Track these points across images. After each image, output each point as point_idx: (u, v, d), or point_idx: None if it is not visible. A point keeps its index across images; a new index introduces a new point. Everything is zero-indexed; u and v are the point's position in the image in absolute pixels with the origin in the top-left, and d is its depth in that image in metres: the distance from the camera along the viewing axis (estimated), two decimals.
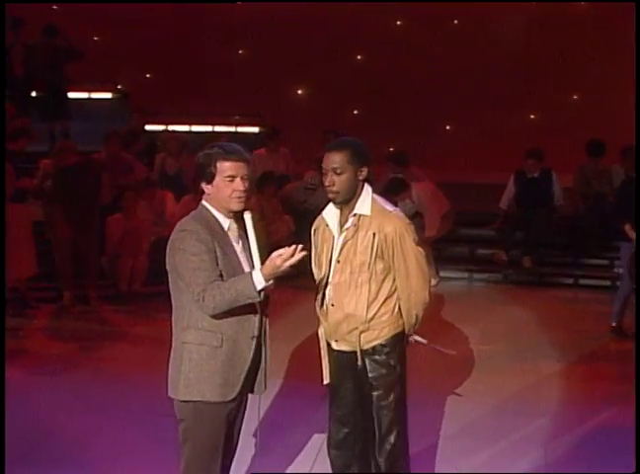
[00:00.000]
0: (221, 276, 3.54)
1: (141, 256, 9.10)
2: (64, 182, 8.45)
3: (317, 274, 4.05)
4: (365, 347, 3.95)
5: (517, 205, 10.36)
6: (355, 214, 3.93)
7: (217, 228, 3.61)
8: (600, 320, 8.08)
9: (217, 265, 3.53)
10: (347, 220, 3.95)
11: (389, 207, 3.97)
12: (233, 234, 3.65)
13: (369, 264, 3.88)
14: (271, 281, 3.49)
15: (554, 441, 5.33)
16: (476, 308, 8.95)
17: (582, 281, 10.09)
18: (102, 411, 5.71)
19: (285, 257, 3.44)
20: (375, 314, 3.92)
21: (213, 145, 3.66)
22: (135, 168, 10.18)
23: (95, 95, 13.35)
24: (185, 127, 12.78)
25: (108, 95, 13.59)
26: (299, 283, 9.15)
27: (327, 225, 4.03)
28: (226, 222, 3.64)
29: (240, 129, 13.11)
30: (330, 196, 3.94)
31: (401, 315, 3.98)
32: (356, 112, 13.96)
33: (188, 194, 9.61)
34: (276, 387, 5.96)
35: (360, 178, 3.92)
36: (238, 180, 3.59)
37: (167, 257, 3.61)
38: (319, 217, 4.07)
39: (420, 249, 3.94)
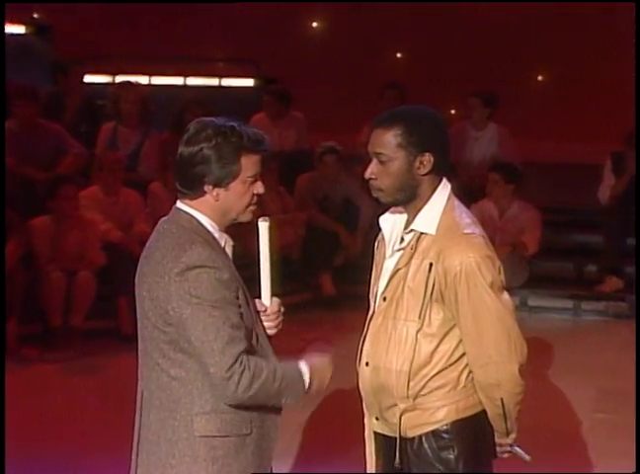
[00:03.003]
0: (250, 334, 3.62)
1: (84, 274, 9.12)
2: None
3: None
4: (409, 434, 3.87)
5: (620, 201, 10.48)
6: (411, 230, 3.84)
7: (220, 250, 3.63)
8: None
9: (242, 317, 3.56)
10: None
11: (467, 226, 3.81)
12: (229, 254, 3.70)
13: (421, 310, 3.77)
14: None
15: None
16: (587, 355, 8.94)
17: None
18: None
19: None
20: (424, 387, 3.82)
21: (221, 126, 3.57)
22: (66, 144, 10.18)
23: None
24: (142, 78, 12.75)
25: (19, 29, 13.54)
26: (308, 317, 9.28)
27: (383, 239, 4.00)
28: (222, 238, 3.68)
29: (226, 82, 13.16)
30: (373, 194, 3.89)
31: (474, 391, 3.88)
32: (399, 55, 14.01)
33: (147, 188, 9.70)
34: (285, 469, 6.03)
35: (421, 171, 3.80)
36: (259, 180, 3.65)
37: (153, 300, 3.57)
38: None
39: (505, 298, 3.79)
